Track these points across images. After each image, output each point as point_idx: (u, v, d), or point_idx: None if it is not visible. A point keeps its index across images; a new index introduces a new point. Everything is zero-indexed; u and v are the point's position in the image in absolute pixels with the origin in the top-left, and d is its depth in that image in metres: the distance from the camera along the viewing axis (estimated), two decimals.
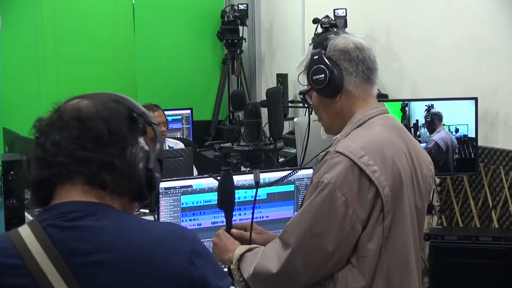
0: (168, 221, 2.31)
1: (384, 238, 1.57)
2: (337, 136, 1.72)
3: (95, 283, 1.13)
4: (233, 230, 1.86)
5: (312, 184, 1.60)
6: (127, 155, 1.23)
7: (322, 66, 1.66)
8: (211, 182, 2.31)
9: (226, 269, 1.76)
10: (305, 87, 1.77)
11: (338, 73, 1.65)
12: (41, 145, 1.22)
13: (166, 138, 4.51)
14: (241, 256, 1.72)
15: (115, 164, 1.21)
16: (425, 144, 3.60)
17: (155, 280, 1.14)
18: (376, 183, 1.54)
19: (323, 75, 1.65)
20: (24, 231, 1.16)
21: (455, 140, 3.61)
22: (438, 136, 3.62)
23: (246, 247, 1.75)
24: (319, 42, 1.70)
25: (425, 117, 3.62)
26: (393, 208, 1.57)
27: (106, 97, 1.28)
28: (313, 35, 4.75)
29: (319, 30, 4.65)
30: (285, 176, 1.93)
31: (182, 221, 2.33)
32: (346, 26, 4.57)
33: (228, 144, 1.82)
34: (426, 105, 3.63)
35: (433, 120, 3.62)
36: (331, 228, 1.54)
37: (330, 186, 1.54)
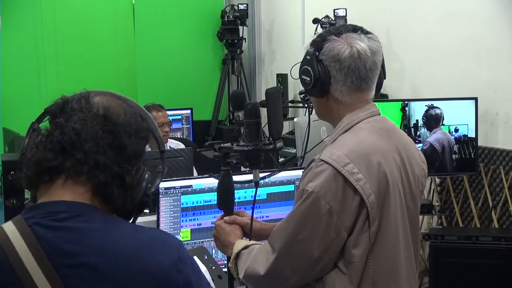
0: (166, 221, 2.31)
1: (371, 244, 1.57)
2: (326, 140, 1.72)
3: (80, 286, 1.10)
4: (226, 218, 1.88)
5: (298, 192, 1.61)
6: (133, 174, 1.21)
7: (310, 70, 1.64)
8: (211, 182, 2.31)
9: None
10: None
11: (325, 80, 1.63)
12: (59, 126, 1.17)
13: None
14: (238, 254, 1.74)
15: (125, 180, 1.18)
16: (421, 145, 3.60)
17: (141, 287, 1.12)
18: (361, 191, 1.53)
19: (308, 79, 1.64)
20: (9, 227, 1.13)
21: (453, 140, 3.61)
22: (433, 137, 3.62)
23: (243, 243, 1.76)
24: (317, 41, 1.66)
25: (422, 119, 3.62)
26: (380, 214, 1.57)
27: (136, 109, 1.26)
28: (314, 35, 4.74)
29: (319, 30, 4.65)
30: (265, 176, 1.93)
31: (182, 221, 2.33)
32: None
33: (228, 144, 1.82)
34: (426, 105, 3.63)
35: (430, 122, 3.62)
36: (316, 235, 1.55)
37: (314, 195, 1.53)
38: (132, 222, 1.27)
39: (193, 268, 1.20)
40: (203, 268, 2.00)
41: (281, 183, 2.42)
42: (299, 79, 1.72)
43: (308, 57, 1.66)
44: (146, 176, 1.24)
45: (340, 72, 1.62)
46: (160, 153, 1.32)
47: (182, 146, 4.54)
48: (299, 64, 1.71)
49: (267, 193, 2.41)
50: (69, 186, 1.17)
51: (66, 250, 1.11)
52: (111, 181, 1.17)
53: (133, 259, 1.13)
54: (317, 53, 1.65)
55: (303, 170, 1.67)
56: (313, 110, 1.81)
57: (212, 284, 1.97)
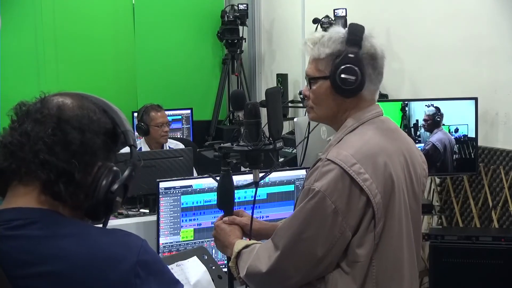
0: (166, 221, 2.31)
1: (375, 244, 1.57)
2: (331, 140, 1.71)
3: None
4: (225, 218, 1.87)
5: (303, 191, 1.61)
6: (93, 171, 1.18)
7: (357, 70, 1.61)
8: (211, 182, 2.31)
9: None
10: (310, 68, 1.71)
11: (364, 79, 1.63)
12: (12, 129, 1.17)
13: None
14: (239, 253, 1.73)
15: (74, 177, 1.14)
16: (423, 145, 3.61)
17: None
18: (367, 191, 1.53)
19: (354, 78, 1.61)
20: None
21: (453, 140, 3.61)
22: (435, 137, 3.62)
23: (243, 243, 1.76)
24: (357, 40, 1.64)
25: (423, 119, 3.63)
26: (385, 215, 1.57)
27: (96, 104, 1.24)
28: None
29: (319, 30, 4.65)
30: (263, 175, 1.91)
31: (182, 221, 2.33)
32: (346, 26, 4.55)
33: (228, 144, 1.82)
34: (426, 105, 3.63)
35: (430, 122, 3.62)
36: (320, 235, 1.55)
37: (320, 195, 1.53)
38: (103, 224, 1.23)
39: (157, 269, 1.17)
40: (203, 268, 2.00)
41: (281, 183, 2.42)
42: (299, 79, 1.71)
43: (351, 56, 1.62)
44: (108, 173, 1.19)
45: (375, 71, 1.65)
46: (130, 147, 1.27)
47: (181, 146, 4.54)
48: (312, 63, 1.70)
49: (267, 193, 2.41)
50: (20, 190, 1.15)
51: (21, 260, 1.09)
52: (56, 178, 1.13)
53: (89, 267, 1.10)
54: (359, 51, 1.63)
55: (305, 170, 1.67)
56: (310, 97, 1.73)
57: (212, 284, 1.97)
